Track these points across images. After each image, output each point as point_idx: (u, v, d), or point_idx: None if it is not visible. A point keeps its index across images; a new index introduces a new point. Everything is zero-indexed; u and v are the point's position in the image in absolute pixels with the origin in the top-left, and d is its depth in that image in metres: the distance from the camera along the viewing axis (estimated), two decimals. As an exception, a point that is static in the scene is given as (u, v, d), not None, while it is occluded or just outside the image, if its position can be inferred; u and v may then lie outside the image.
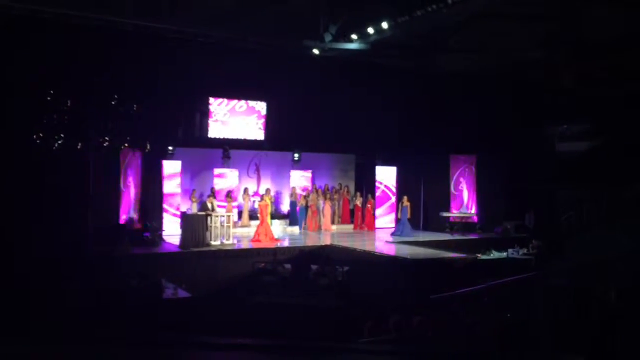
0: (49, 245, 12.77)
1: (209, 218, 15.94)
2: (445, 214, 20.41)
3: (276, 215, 20.33)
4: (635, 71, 17.98)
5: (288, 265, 14.10)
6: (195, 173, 19.84)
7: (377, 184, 21.54)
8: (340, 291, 13.04)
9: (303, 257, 15.60)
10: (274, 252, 15.39)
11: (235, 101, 20.47)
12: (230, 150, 20.05)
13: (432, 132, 20.14)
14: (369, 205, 20.76)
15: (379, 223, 21.19)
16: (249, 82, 19.38)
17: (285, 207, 21.25)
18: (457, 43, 17.41)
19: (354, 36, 16.18)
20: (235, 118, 20.50)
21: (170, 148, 18.45)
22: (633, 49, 16.83)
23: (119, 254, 14.24)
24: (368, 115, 20.11)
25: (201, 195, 18.75)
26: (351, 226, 20.91)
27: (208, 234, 15.86)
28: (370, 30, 15.68)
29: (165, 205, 17.99)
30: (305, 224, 20.01)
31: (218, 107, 20.30)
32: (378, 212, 21.37)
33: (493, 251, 16.15)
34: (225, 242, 16.14)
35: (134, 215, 17.00)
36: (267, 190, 19.07)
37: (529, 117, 21.16)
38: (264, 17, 15.79)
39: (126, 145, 15.56)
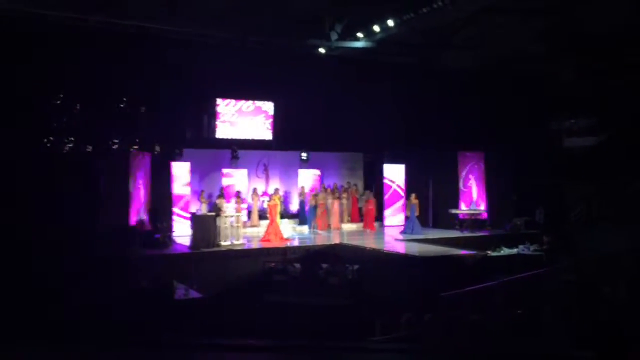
0: (59, 247, 12.85)
1: (218, 219, 16.00)
2: (454, 211, 20.34)
3: (285, 214, 20.37)
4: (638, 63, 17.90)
5: (298, 265, 14.11)
6: (204, 174, 19.91)
7: (385, 182, 21.50)
8: (351, 290, 13.05)
9: (313, 256, 15.61)
10: (283, 252, 15.41)
11: (243, 102, 20.52)
12: (238, 150, 20.10)
13: (440, 129, 20.09)
14: (370, 206, 20.67)
15: (387, 221, 21.18)
16: (256, 82, 19.41)
17: (294, 207, 21.28)
18: (463, 39, 17.38)
19: (359, 34, 16.17)
20: (243, 118, 20.55)
21: (178, 150, 18.51)
22: (635, 41, 16.76)
23: (130, 255, 14.31)
24: (375, 113, 20.10)
25: (210, 196, 18.81)
26: (361, 225, 20.90)
27: (218, 234, 15.91)
28: (376, 28, 15.68)
29: (174, 207, 18.05)
30: (314, 223, 20.03)
31: (225, 107, 20.35)
32: (387, 211, 21.34)
33: (503, 248, 16.09)
34: (235, 242, 16.19)
35: (144, 217, 17.08)
36: (276, 190, 19.11)
37: (537, 113, 21.09)
38: (269, 17, 15.82)
39: (135, 147, 15.65)
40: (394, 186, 21.42)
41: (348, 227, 20.60)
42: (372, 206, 20.63)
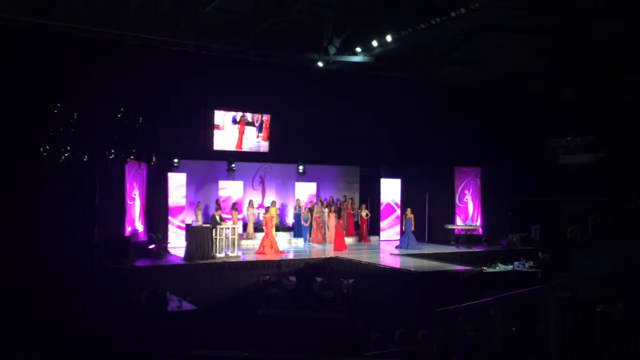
0: (54, 257, 12.79)
1: (214, 230, 15.96)
2: (450, 227, 20.35)
3: (281, 227, 20.33)
4: (635, 83, 18.04)
5: (293, 278, 14.07)
6: (200, 185, 19.88)
7: (381, 196, 21.50)
8: (346, 304, 13.01)
9: (308, 270, 15.58)
10: (278, 265, 15.39)
11: (240, 113, 20.55)
12: (235, 162, 20.11)
13: (437, 144, 20.15)
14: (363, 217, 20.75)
15: (383, 235, 21.16)
16: (254, 94, 19.45)
17: (290, 220, 21.24)
18: (460, 56, 17.49)
19: (358, 49, 16.26)
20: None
21: (175, 160, 18.50)
22: (633, 61, 16.91)
23: (125, 266, 14.25)
24: (373, 127, 20.14)
25: (206, 208, 18.75)
26: (356, 238, 20.87)
27: (213, 246, 15.87)
28: (374, 43, 15.77)
29: (170, 218, 18.00)
30: (310, 236, 19.99)
31: (223, 119, 20.36)
32: (383, 225, 21.33)
33: (499, 264, 16.09)
34: (230, 254, 16.14)
35: (140, 227, 17.02)
36: (272, 203, 19.07)
37: (534, 129, 21.20)
38: (268, 30, 15.90)
39: (132, 157, 15.61)
40: (391, 201, 21.42)
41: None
42: (366, 218, 20.72)
